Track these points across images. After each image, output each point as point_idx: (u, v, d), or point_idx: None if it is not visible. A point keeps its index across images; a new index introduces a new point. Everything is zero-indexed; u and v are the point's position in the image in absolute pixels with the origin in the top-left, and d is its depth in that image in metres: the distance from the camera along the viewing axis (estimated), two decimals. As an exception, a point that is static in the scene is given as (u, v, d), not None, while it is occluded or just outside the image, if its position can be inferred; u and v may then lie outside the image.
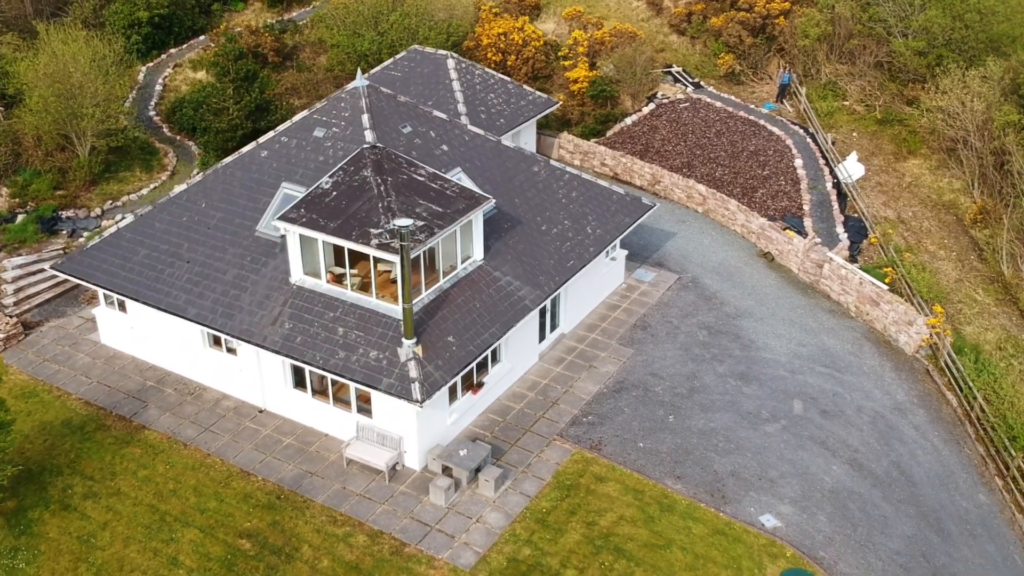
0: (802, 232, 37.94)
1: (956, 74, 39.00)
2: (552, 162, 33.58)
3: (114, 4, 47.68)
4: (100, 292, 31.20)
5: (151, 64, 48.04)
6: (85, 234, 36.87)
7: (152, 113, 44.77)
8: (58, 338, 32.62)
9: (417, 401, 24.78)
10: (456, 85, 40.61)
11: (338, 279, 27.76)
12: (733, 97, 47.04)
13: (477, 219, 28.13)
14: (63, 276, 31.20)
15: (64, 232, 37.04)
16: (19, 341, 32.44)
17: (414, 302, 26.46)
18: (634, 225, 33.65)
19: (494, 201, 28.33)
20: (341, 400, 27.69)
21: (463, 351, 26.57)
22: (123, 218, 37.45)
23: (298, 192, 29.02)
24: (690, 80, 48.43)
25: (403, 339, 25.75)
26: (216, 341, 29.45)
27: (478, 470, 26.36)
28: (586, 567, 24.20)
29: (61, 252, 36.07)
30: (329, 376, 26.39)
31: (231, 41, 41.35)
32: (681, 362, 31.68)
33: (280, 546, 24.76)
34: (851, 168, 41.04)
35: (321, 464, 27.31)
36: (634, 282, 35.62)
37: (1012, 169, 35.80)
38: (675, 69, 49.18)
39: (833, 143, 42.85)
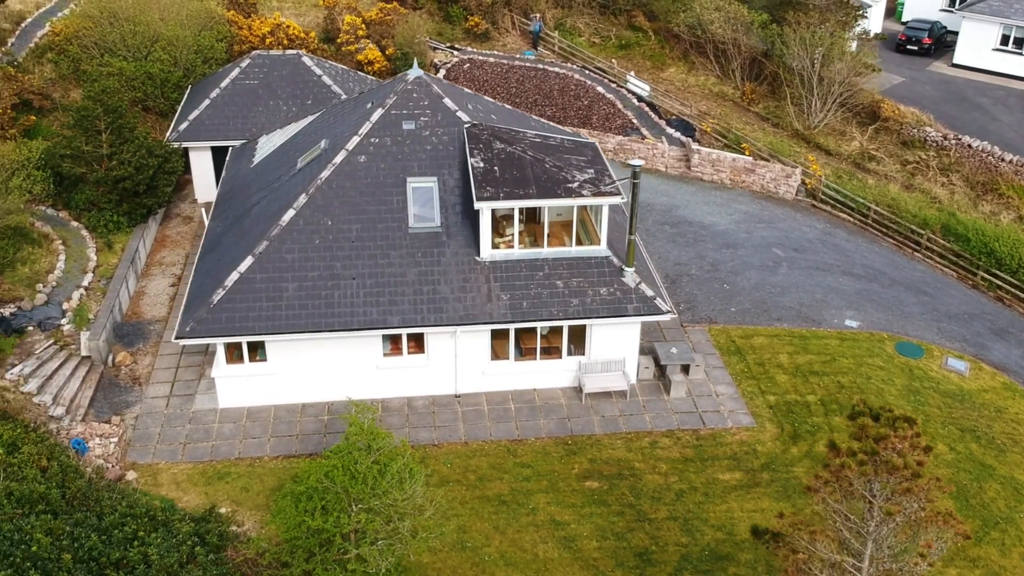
0: (647, 139, 46.35)
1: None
2: (524, 112, 37.57)
3: None
4: (220, 351, 28.54)
5: None
6: (64, 322, 31.63)
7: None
8: (165, 422, 28.90)
9: (670, 312, 28.86)
10: (327, 79, 41.23)
11: (511, 243, 29.73)
12: (496, 51, 53.10)
13: (587, 163, 31.93)
14: (195, 342, 28.01)
15: (31, 328, 31.33)
16: (127, 442, 28.20)
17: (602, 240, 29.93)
18: (598, 155, 39.18)
19: (596, 142, 32.32)
20: (547, 352, 30.08)
21: (644, 269, 30.84)
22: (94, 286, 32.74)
23: (427, 183, 29.91)
24: (444, 46, 53.21)
25: (624, 268, 29.30)
26: (394, 347, 29.40)
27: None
28: (812, 391, 30.88)
29: (56, 347, 30.79)
30: (571, 324, 28.89)
31: (95, 81, 36.35)
32: (682, 249, 38.58)
33: (619, 472, 27.41)
34: (639, 84, 50.22)
35: (559, 410, 29.67)
36: (579, 209, 41.11)
37: (773, 56, 48.04)
38: (424, 38, 53.41)
39: (616, 69, 51.45)
